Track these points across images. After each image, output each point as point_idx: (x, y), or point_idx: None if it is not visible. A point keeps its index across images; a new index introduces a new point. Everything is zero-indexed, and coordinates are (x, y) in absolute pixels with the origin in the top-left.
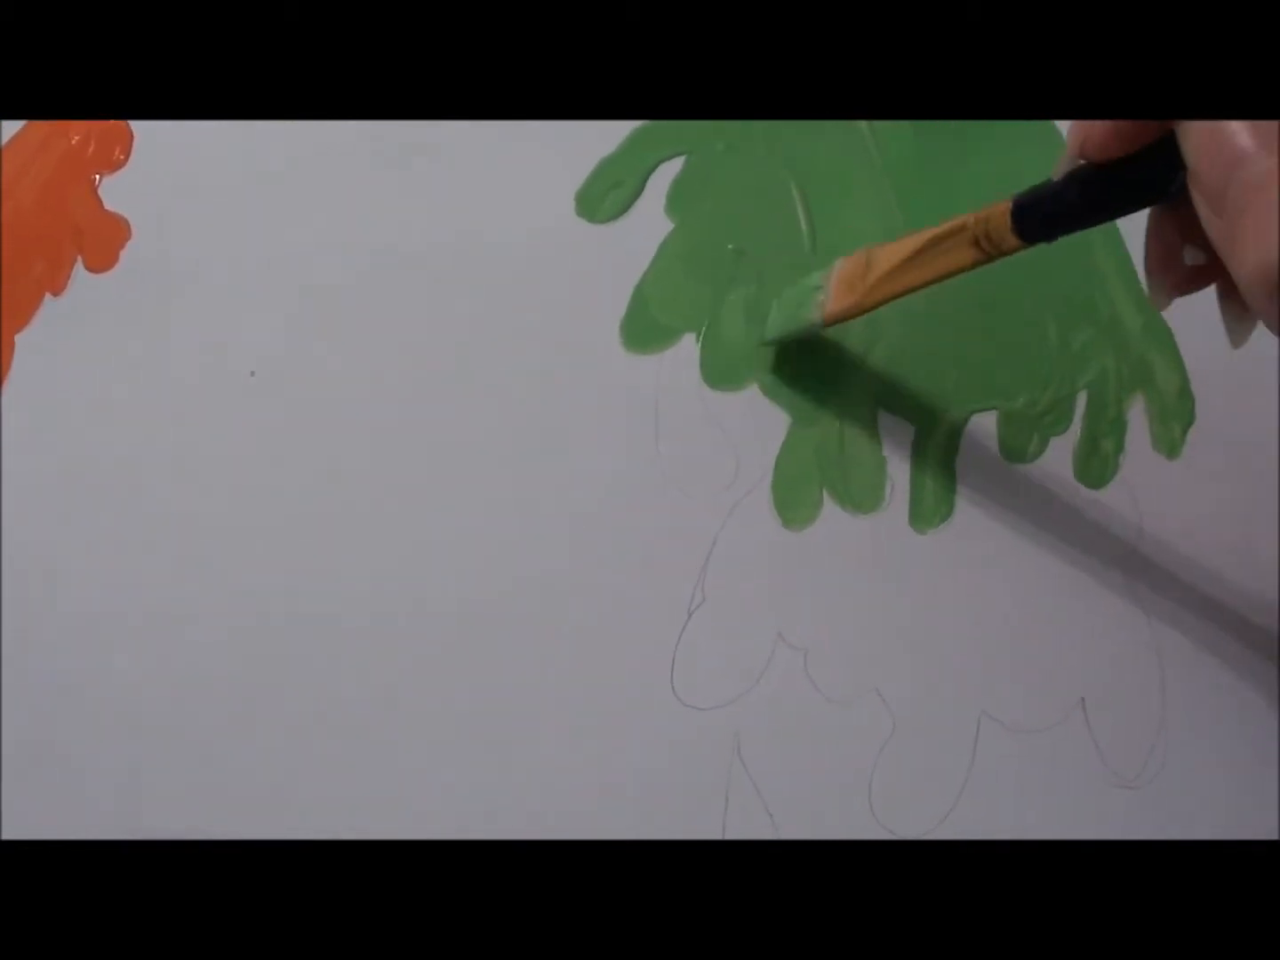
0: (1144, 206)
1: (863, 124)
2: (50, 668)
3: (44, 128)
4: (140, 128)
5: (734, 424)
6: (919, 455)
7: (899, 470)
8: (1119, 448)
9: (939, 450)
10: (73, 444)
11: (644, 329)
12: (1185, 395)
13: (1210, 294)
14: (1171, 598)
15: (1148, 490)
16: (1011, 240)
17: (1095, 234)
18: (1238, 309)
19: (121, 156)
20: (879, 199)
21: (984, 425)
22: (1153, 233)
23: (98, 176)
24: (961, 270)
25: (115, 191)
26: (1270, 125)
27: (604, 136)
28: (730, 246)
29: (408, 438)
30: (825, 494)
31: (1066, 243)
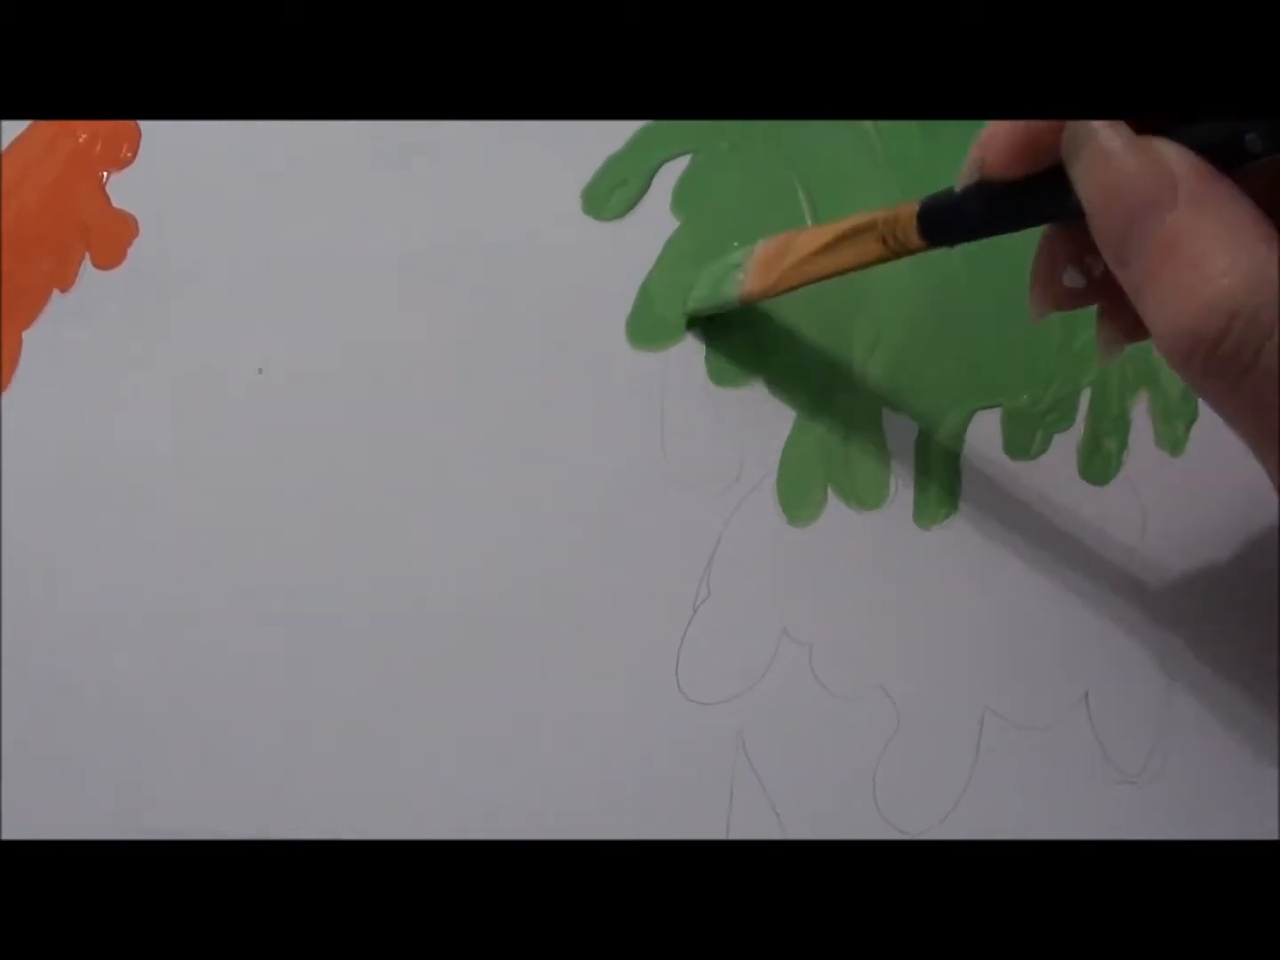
0: (1046, 222)
1: (868, 123)
2: (50, 668)
3: (51, 126)
4: (148, 126)
5: (739, 421)
6: (923, 452)
7: (903, 467)
8: (1122, 445)
9: (943, 447)
10: (79, 441)
11: (650, 326)
12: (1189, 393)
13: None
14: (1175, 594)
15: (1151, 488)
16: (917, 240)
17: None
18: (1111, 336)
19: (129, 154)
20: (884, 199)
21: (988, 423)
22: (1041, 247)
23: (105, 174)
24: (869, 264)
25: (123, 189)
26: (1163, 167)
27: (609, 134)
28: (735, 245)
29: (411, 436)
30: (830, 491)
31: None
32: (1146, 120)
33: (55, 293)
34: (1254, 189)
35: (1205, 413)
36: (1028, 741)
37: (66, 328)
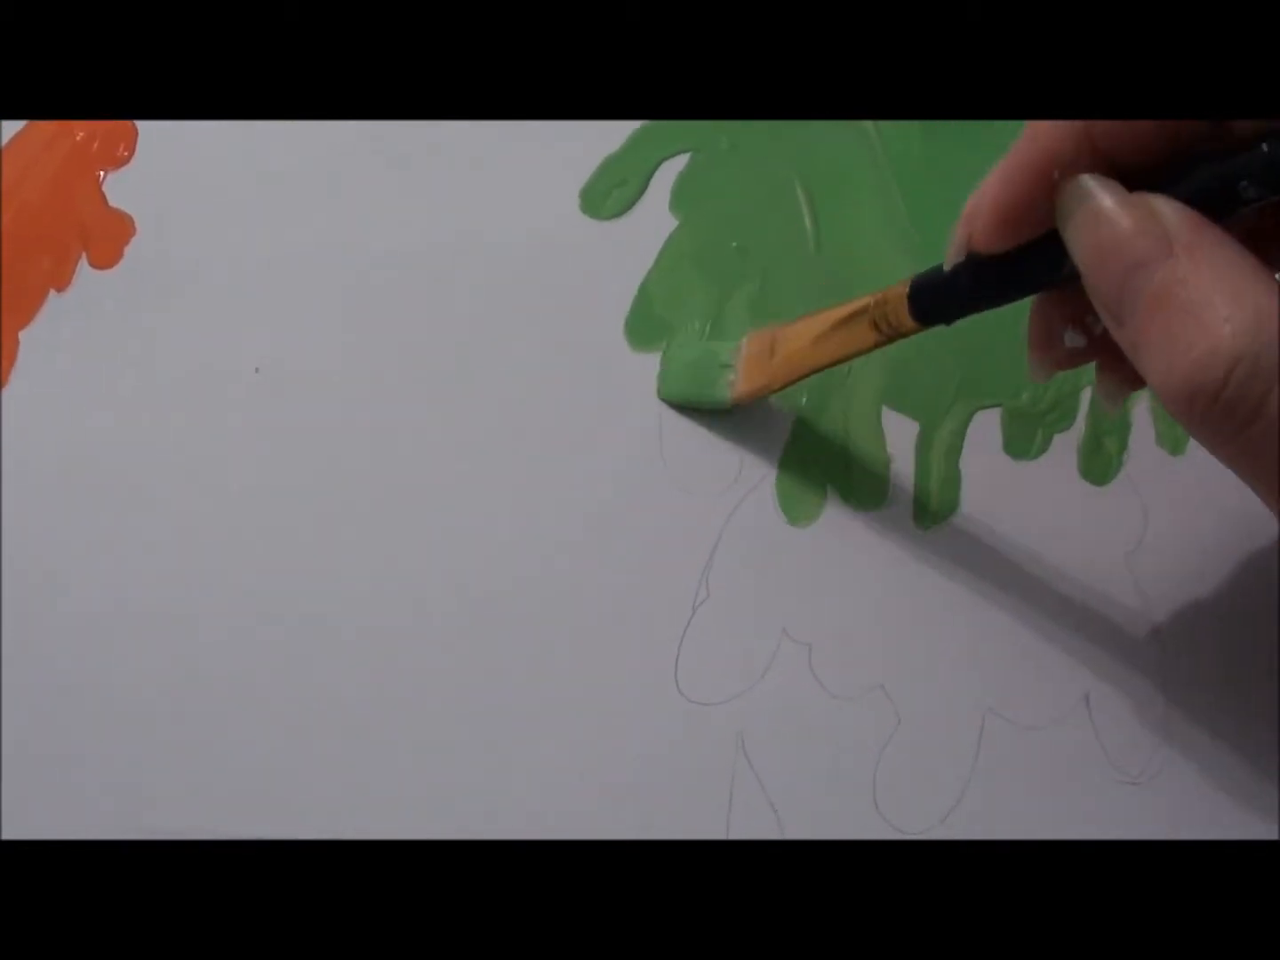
0: (1040, 291)
1: (868, 122)
2: (50, 668)
3: (49, 125)
4: (145, 125)
5: (738, 421)
6: (923, 452)
7: (903, 467)
8: (1123, 445)
9: (943, 447)
10: (76, 440)
11: (648, 326)
12: None
13: None
14: (1175, 594)
15: (1152, 487)
16: (909, 323)
17: None
18: (1113, 385)
19: (126, 153)
20: (885, 197)
21: (988, 422)
22: (1035, 311)
23: (102, 173)
24: (864, 351)
25: (120, 188)
26: (1155, 221)
27: (608, 134)
28: (734, 244)
29: (410, 436)
30: (829, 491)
31: None
32: (1138, 176)
33: (52, 292)
34: (1249, 230)
35: None
36: (1028, 742)
37: (63, 327)
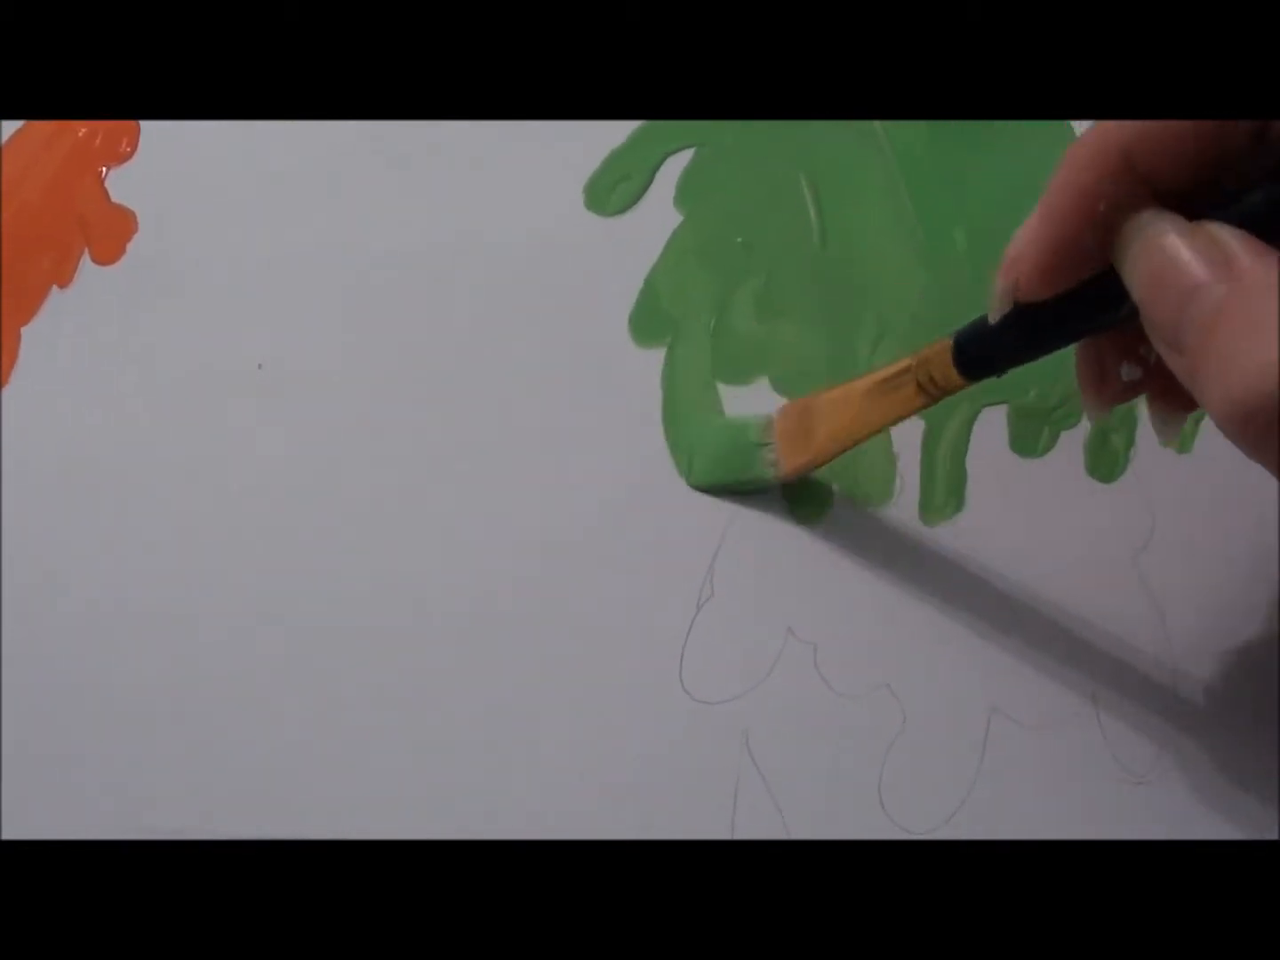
0: (1089, 334)
1: None
2: (50, 668)
3: (51, 121)
4: (147, 121)
5: None
6: (929, 449)
7: (909, 464)
8: (1130, 442)
9: (949, 444)
10: (78, 437)
11: (654, 322)
12: None
13: None
14: (1183, 592)
15: (1159, 485)
16: (956, 380)
17: None
18: (1166, 414)
19: (128, 149)
20: (891, 193)
21: (994, 419)
22: (1082, 350)
23: (104, 169)
24: (913, 413)
25: (122, 184)
26: (1213, 245)
27: (612, 129)
28: (739, 239)
29: (414, 434)
30: (835, 488)
31: None
32: (1186, 204)
33: (54, 288)
34: None
35: None
36: (1035, 740)
37: (65, 323)
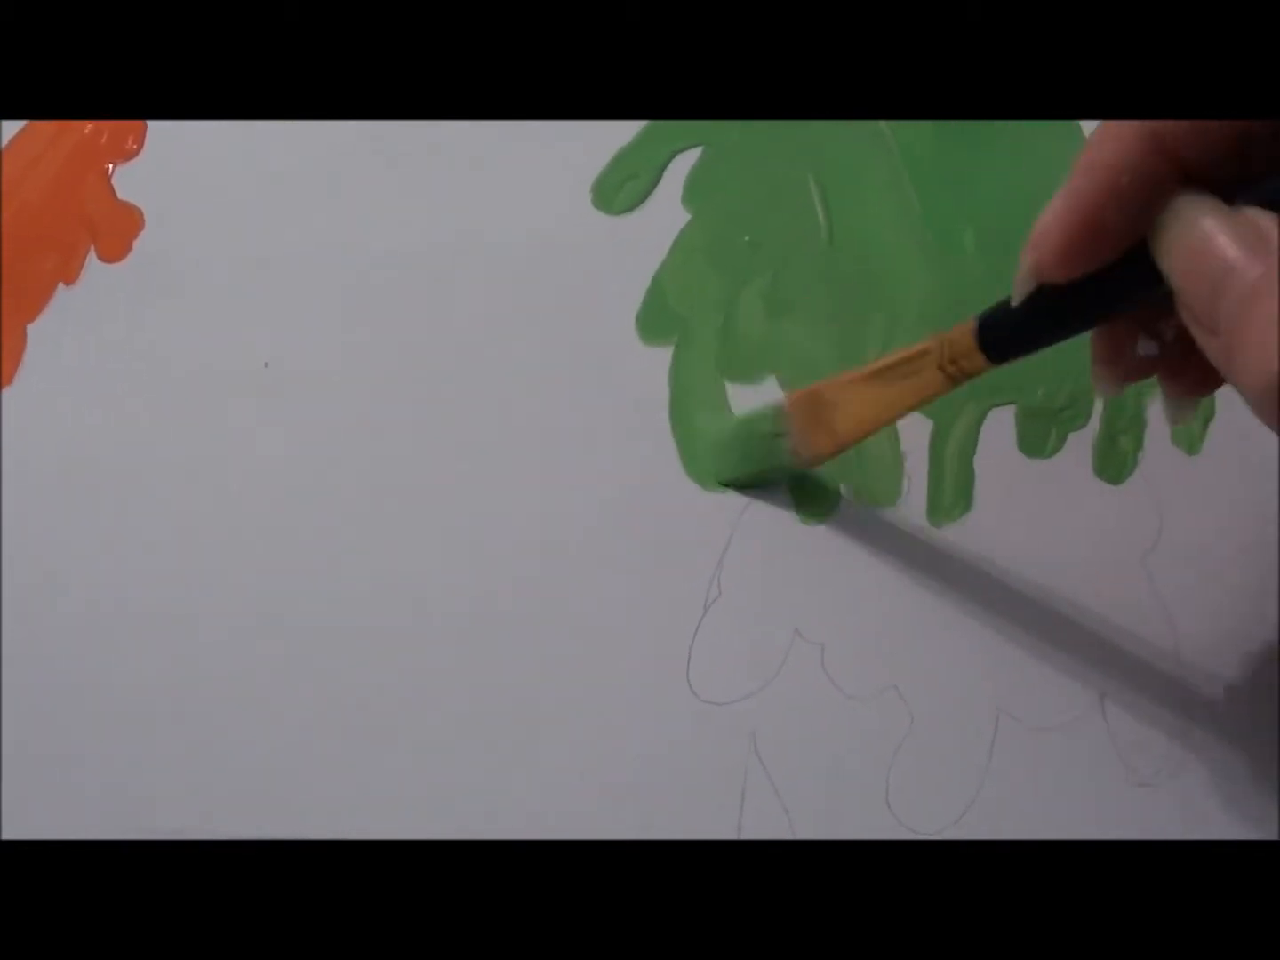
0: (1115, 314)
1: None
2: (50, 668)
3: None
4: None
5: None
6: (937, 450)
7: (917, 465)
8: (1138, 443)
9: (957, 445)
10: (83, 435)
11: (661, 320)
12: None
13: None
14: (1191, 594)
15: (1167, 486)
16: (981, 362)
17: None
18: (1179, 396)
19: (134, 146)
20: (897, 191)
21: (1002, 420)
22: (1100, 328)
23: (110, 166)
24: (935, 397)
25: (128, 182)
26: (1250, 227)
27: (619, 128)
28: (746, 238)
29: (420, 432)
30: (842, 488)
31: None
32: (1216, 181)
33: (60, 286)
34: None
35: (1222, 411)
36: (1042, 742)
37: (71, 321)
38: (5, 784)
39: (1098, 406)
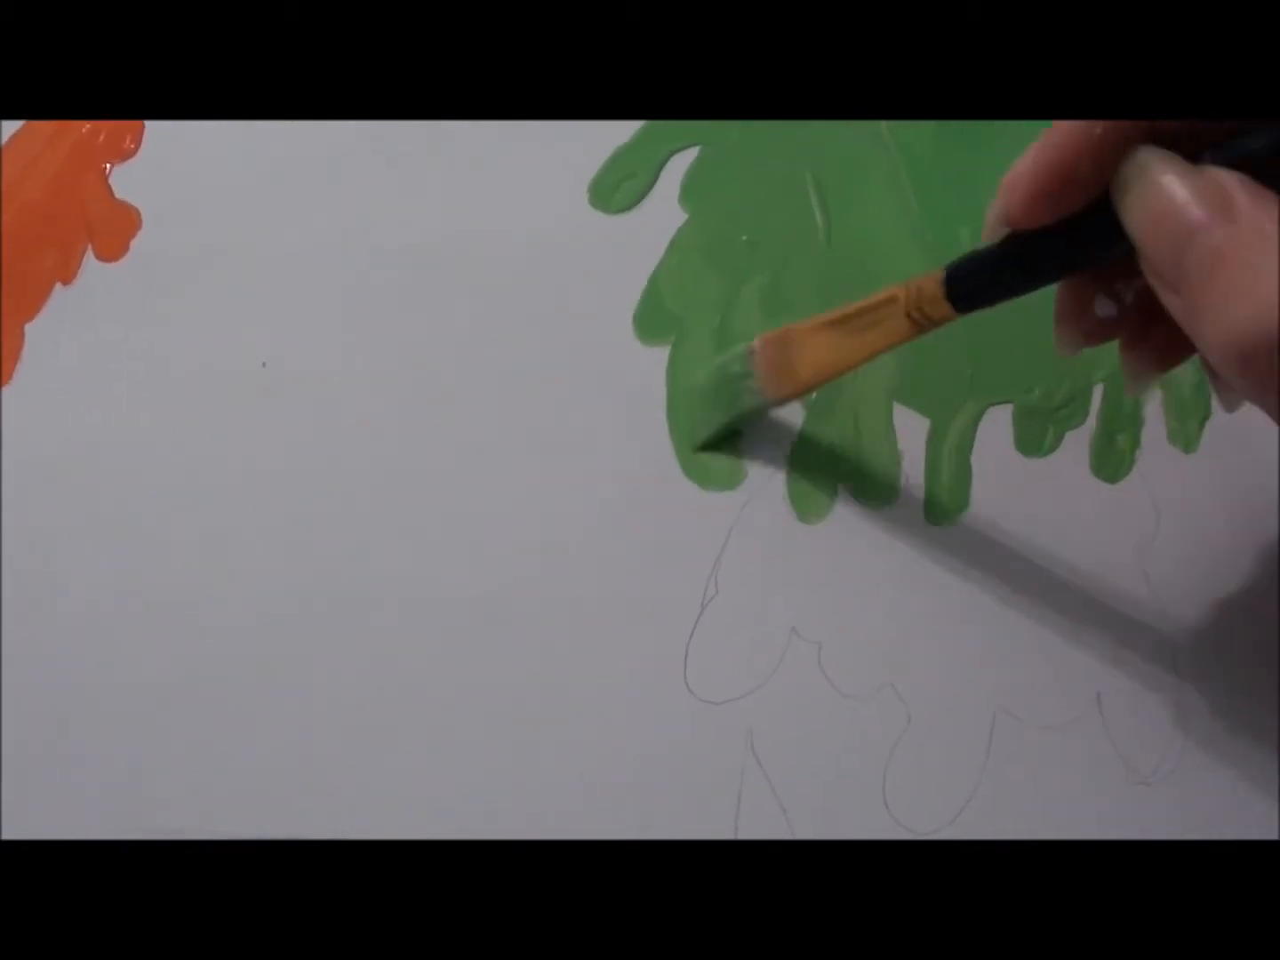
0: (1084, 268)
1: None
2: (50, 667)
3: None
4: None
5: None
6: (934, 449)
7: (914, 464)
8: (1135, 442)
9: (954, 444)
10: (81, 435)
11: (658, 319)
12: (1202, 390)
13: None
14: (1188, 593)
15: (1164, 485)
16: (947, 310)
17: None
18: (1138, 368)
19: (132, 146)
20: (896, 191)
21: (999, 419)
22: (1064, 284)
23: (108, 166)
24: (899, 344)
25: (126, 181)
26: (1214, 187)
27: (617, 127)
28: (744, 238)
29: (416, 431)
30: (840, 487)
31: None
32: (1185, 139)
33: (58, 285)
34: None
35: (1219, 410)
36: (1040, 741)
37: (69, 320)
38: (5, 784)
39: (1094, 405)
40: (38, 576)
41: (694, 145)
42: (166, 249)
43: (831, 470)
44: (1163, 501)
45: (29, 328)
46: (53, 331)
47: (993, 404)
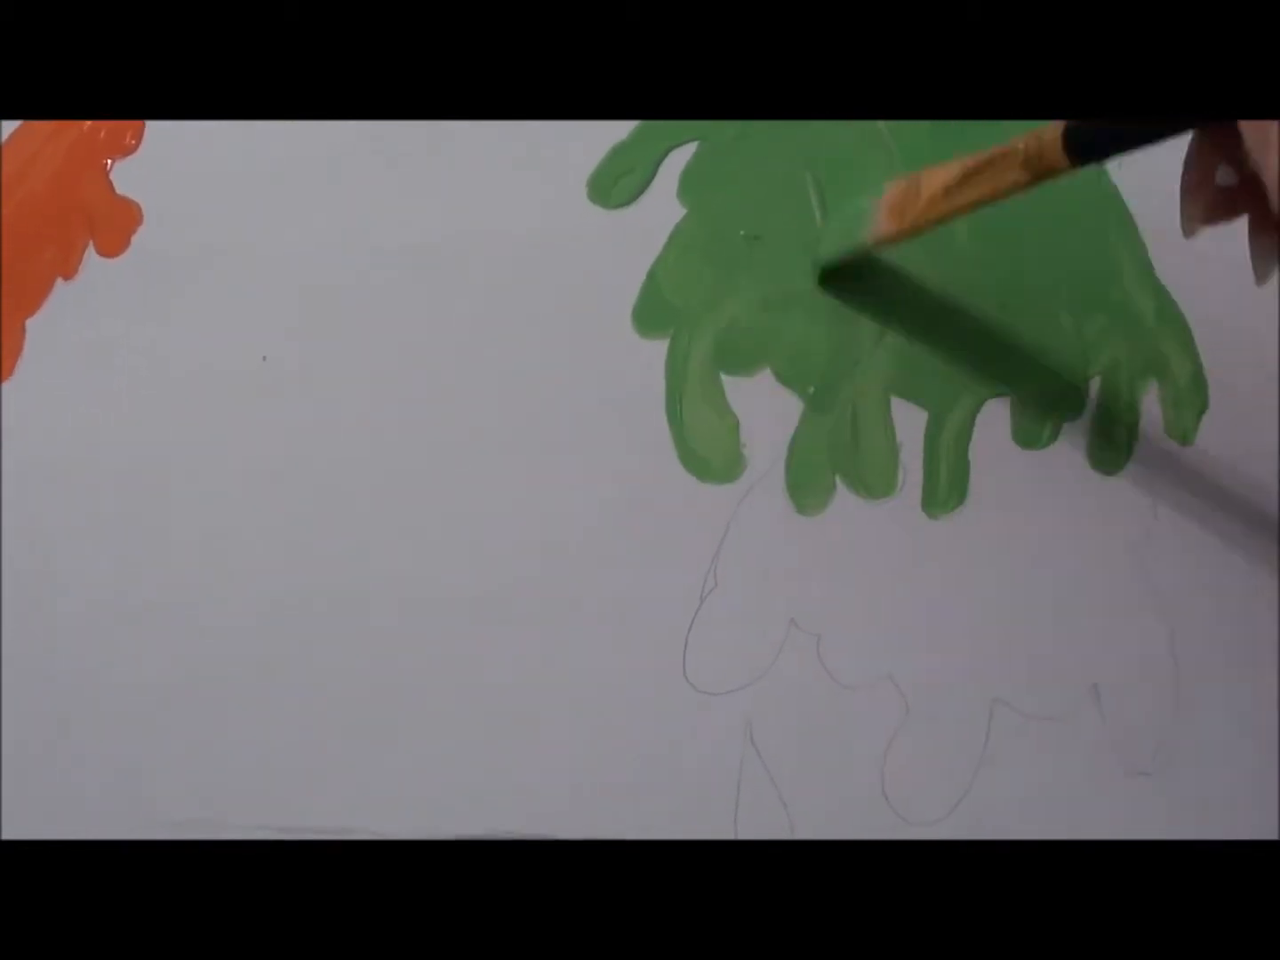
0: (1200, 125)
1: None
2: (50, 667)
3: None
4: None
5: (747, 409)
6: (932, 441)
7: (912, 456)
8: (1132, 434)
9: (952, 436)
10: (82, 430)
11: (657, 313)
12: (1198, 382)
13: (1227, 281)
14: (1184, 584)
15: (1161, 477)
16: (1062, 160)
17: (1109, 223)
18: (1266, 244)
19: (133, 142)
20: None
21: (997, 411)
22: (1191, 155)
23: (109, 162)
24: (1010, 193)
25: (126, 177)
26: None
27: (615, 123)
28: (742, 233)
29: (417, 426)
30: (838, 479)
31: (1080, 231)
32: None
33: (59, 281)
34: None
35: (1215, 402)
36: (1037, 731)
37: (70, 316)
38: (5, 784)
39: (1092, 398)
40: (38, 576)
41: (692, 141)
42: (167, 245)
43: (830, 463)
44: (1160, 493)
45: (30, 323)
46: (53, 327)
47: (991, 396)
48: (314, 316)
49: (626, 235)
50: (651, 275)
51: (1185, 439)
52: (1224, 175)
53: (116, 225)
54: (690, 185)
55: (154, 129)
